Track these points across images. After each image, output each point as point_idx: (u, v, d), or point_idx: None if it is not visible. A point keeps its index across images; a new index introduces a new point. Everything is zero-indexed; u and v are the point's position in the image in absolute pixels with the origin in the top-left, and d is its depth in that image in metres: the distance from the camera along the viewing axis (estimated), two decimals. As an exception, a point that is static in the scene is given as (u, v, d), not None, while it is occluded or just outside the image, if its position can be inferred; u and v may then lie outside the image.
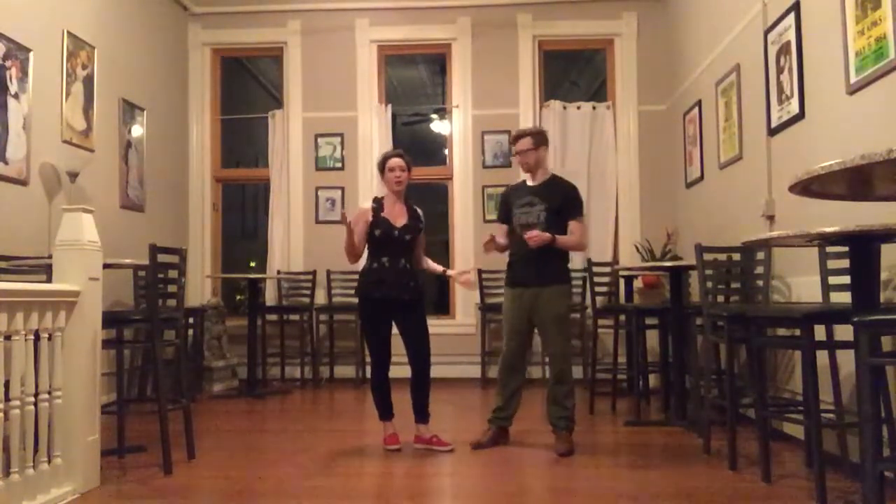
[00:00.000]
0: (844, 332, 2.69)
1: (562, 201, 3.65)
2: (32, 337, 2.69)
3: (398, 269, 3.66)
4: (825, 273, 3.13)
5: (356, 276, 6.26)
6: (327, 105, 6.65)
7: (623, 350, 5.11)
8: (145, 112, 5.79)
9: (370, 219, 3.68)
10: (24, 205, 4.24)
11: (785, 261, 3.88)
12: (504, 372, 3.74)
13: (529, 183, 3.80)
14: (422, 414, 3.69)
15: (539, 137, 3.76)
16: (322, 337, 6.45)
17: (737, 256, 3.86)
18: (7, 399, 2.53)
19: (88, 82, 4.98)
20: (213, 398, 5.51)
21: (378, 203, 3.75)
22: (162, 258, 3.35)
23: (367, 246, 3.72)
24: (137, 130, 5.69)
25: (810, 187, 1.99)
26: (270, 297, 6.53)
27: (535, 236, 3.49)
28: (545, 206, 3.64)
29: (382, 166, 3.78)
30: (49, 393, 2.77)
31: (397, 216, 3.71)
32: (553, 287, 3.60)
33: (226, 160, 7.09)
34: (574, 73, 8.90)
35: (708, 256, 3.52)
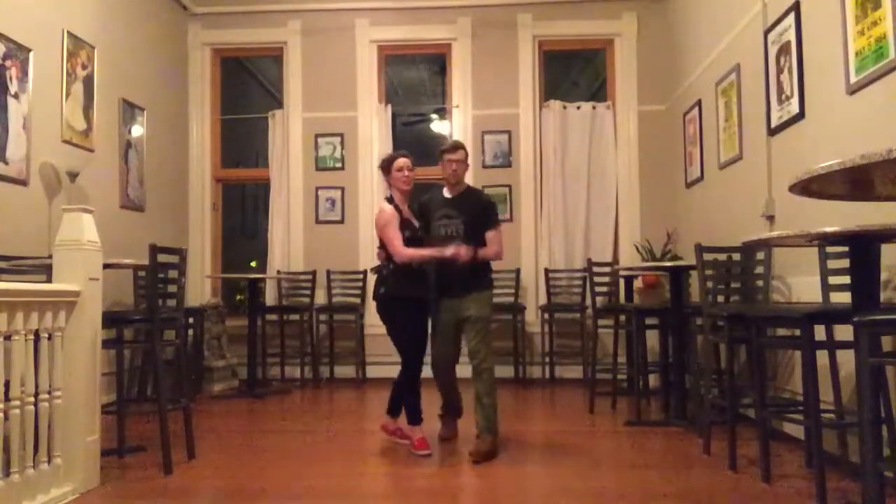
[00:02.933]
0: (844, 332, 2.69)
1: (478, 213, 3.69)
2: (32, 337, 2.69)
3: (423, 268, 3.69)
4: (825, 273, 3.13)
5: (357, 277, 6.37)
6: (327, 105, 6.65)
7: (623, 350, 5.11)
8: (145, 112, 5.79)
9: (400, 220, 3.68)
10: (24, 205, 4.24)
11: (785, 261, 3.88)
12: (440, 372, 3.80)
13: (446, 195, 3.79)
14: (399, 409, 3.75)
15: (466, 152, 3.85)
16: (322, 337, 6.45)
17: (737, 256, 3.86)
18: (7, 399, 2.53)
19: (88, 82, 4.98)
20: (213, 398, 5.51)
21: (395, 205, 3.72)
22: (162, 258, 3.35)
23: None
24: (137, 130, 5.69)
25: (810, 187, 1.99)
26: (270, 297, 6.53)
27: (464, 254, 3.54)
28: (462, 218, 3.66)
29: (388, 167, 3.76)
30: (49, 393, 2.77)
31: (411, 216, 3.75)
32: (477, 293, 3.64)
33: (226, 160, 7.09)
34: (574, 73, 8.91)
35: (708, 256, 3.52)
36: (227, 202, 7.14)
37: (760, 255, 3.84)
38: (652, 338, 4.91)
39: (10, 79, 4.14)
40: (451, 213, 3.70)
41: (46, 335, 2.80)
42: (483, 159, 6.55)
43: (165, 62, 6.27)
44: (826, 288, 3.14)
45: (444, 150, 3.81)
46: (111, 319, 3.28)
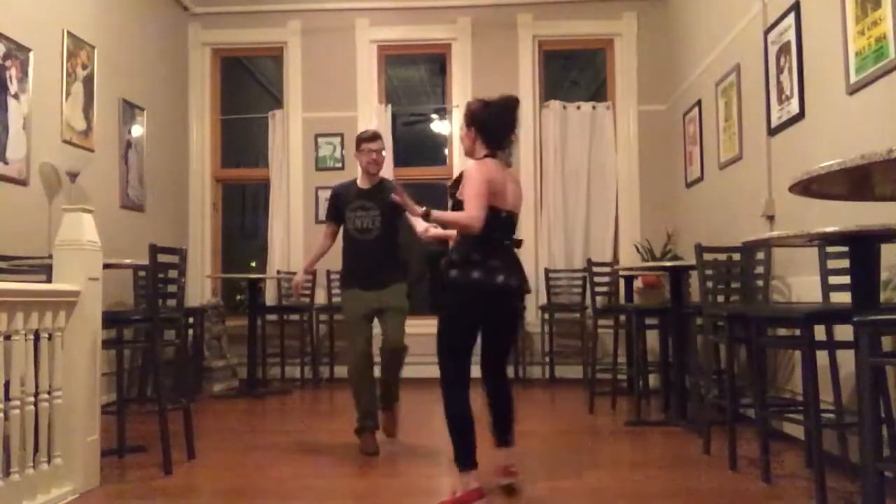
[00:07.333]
0: (844, 332, 2.69)
1: (390, 204, 3.49)
2: (32, 337, 2.69)
3: None
4: (825, 273, 3.13)
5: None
6: (327, 105, 6.65)
7: (623, 350, 5.11)
8: (145, 112, 5.79)
9: None
10: (24, 205, 4.24)
11: (785, 261, 3.88)
12: (359, 374, 3.66)
13: (361, 185, 3.74)
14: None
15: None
16: (322, 337, 6.45)
17: (737, 256, 3.86)
18: (7, 399, 2.53)
19: (88, 82, 4.98)
20: (213, 398, 5.51)
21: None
22: (162, 258, 3.34)
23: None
24: (137, 130, 5.69)
25: (810, 187, 1.99)
26: (270, 296, 6.53)
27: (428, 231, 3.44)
28: (379, 210, 3.64)
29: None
30: (49, 393, 2.77)
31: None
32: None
33: (226, 160, 7.09)
34: (574, 73, 8.91)
35: (708, 256, 3.52)
36: (227, 202, 7.14)
37: (760, 255, 3.84)
38: (652, 338, 4.90)
39: (10, 79, 4.14)
40: (367, 205, 3.67)
41: (46, 335, 2.80)
42: (483, 159, 6.53)
43: (165, 62, 6.27)
44: (826, 288, 3.13)
45: (363, 139, 3.76)
46: (111, 319, 3.28)
